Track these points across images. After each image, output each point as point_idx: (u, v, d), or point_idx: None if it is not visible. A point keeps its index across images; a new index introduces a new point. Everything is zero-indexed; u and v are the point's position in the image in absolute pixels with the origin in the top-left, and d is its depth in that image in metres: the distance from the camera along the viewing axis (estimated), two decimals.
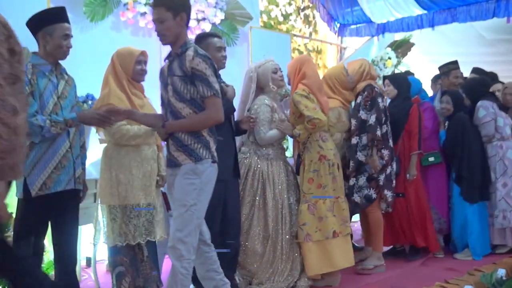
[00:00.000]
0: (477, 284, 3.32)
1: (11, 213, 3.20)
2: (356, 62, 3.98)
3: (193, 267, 2.51)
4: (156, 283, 2.93)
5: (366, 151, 3.73)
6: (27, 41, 2.87)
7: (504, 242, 4.25)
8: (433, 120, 4.39)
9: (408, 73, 5.30)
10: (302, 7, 7.79)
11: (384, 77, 4.42)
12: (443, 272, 3.73)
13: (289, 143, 4.85)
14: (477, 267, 3.68)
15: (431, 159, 4.24)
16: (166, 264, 3.36)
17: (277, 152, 3.48)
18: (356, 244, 4.45)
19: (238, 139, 3.46)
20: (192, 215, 2.40)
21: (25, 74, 2.47)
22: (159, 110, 2.75)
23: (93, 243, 2.96)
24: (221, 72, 3.22)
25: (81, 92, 3.22)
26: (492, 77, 4.91)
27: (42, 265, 2.96)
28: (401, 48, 6.91)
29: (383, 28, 7.29)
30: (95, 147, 3.52)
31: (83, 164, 2.79)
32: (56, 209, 2.59)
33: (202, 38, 3.19)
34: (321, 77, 3.75)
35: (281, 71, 3.53)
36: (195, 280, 2.77)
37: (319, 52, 7.97)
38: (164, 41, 2.51)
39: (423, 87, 4.72)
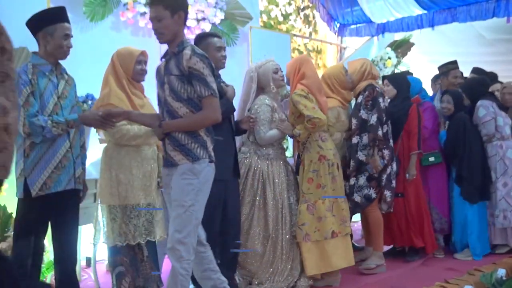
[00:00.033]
0: (477, 284, 3.33)
1: (11, 213, 3.22)
2: (357, 61, 3.98)
3: None
4: (157, 283, 2.93)
5: (367, 150, 3.73)
6: (27, 41, 2.88)
7: (505, 242, 4.25)
8: (433, 120, 4.39)
9: (407, 73, 5.30)
10: (302, 7, 7.79)
11: (384, 77, 4.42)
12: (443, 272, 3.72)
13: (289, 143, 4.85)
14: (477, 267, 3.68)
15: (432, 159, 4.25)
16: (166, 264, 3.36)
17: (277, 152, 3.48)
18: (356, 244, 4.45)
19: (238, 139, 3.46)
20: (191, 215, 2.39)
21: (26, 74, 2.48)
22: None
23: (93, 243, 2.96)
24: (221, 72, 3.22)
25: (81, 92, 3.22)
26: (492, 77, 4.91)
27: (42, 265, 2.96)
28: (401, 48, 6.90)
29: (383, 28, 7.29)
30: (95, 147, 3.53)
31: (83, 164, 2.79)
32: (56, 209, 2.59)
33: (202, 38, 3.18)
34: (320, 76, 3.76)
35: (282, 71, 3.53)
36: (194, 280, 2.77)
37: (319, 52, 7.97)
38: (161, 39, 2.48)
39: (423, 87, 4.72)
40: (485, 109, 4.22)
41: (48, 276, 3.37)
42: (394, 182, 3.86)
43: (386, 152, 3.75)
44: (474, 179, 4.12)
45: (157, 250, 2.98)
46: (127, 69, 2.83)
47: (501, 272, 3.35)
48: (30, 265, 2.53)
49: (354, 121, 3.79)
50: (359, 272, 3.73)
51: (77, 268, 3.08)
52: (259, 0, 6.31)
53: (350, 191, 3.75)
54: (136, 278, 2.86)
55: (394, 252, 4.27)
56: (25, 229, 2.54)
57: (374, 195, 3.73)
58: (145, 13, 4.50)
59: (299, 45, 7.64)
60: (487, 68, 5.11)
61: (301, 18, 7.78)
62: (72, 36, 2.64)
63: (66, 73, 2.72)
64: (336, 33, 7.83)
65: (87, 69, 3.70)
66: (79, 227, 2.81)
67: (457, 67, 4.72)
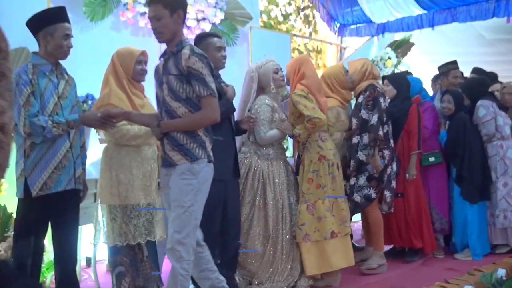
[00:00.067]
0: (477, 284, 3.32)
1: (11, 213, 3.22)
2: (358, 61, 3.97)
3: None
4: (157, 283, 2.93)
5: (367, 150, 3.73)
6: (27, 41, 2.88)
7: (506, 241, 4.25)
8: (434, 120, 4.39)
9: (406, 73, 5.30)
10: (302, 7, 7.78)
11: (383, 77, 4.42)
12: (443, 272, 3.73)
13: (289, 143, 4.85)
14: (477, 267, 3.68)
15: (432, 159, 4.24)
16: (166, 264, 3.36)
17: (277, 152, 3.48)
18: (356, 244, 4.45)
19: (239, 139, 3.45)
20: (190, 216, 2.38)
21: (26, 74, 2.48)
22: None
23: (93, 243, 2.96)
24: (221, 72, 3.22)
25: (81, 92, 3.22)
26: (492, 77, 4.92)
27: (42, 265, 2.96)
28: (401, 48, 6.90)
29: (383, 28, 7.29)
30: (95, 147, 3.53)
31: (83, 164, 2.79)
32: (57, 209, 2.59)
33: (202, 38, 3.18)
34: (320, 76, 3.76)
35: (282, 71, 3.53)
36: (194, 280, 2.77)
37: (319, 52, 7.96)
38: (160, 38, 2.47)
39: (424, 87, 4.72)
40: (485, 109, 4.22)
41: (48, 276, 3.37)
42: (394, 182, 3.86)
43: (386, 152, 3.75)
44: (474, 179, 4.12)
45: (157, 250, 2.98)
46: (127, 69, 2.83)
47: (501, 272, 3.35)
48: (30, 265, 2.53)
49: (354, 121, 3.79)
50: (359, 272, 3.73)
51: (77, 268, 3.08)
52: (259, 0, 6.30)
53: (350, 191, 3.75)
54: (136, 278, 2.86)
55: (394, 252, 4.27)
56: (25, 229, 2.54)
57: (374, 195, 3.73)
58: (145, 13, 4.50)
59: (299, 45, 7.64)
60: (487, 68, 5.11)
61: (301, 18, 7.78)
62: (72, 36, 2.64)
63: (67, 73, 2.72)
64: (336, 33, 7.82)
65: (87, 69, 3.70)
66: (79, 227, 2.81)
67: (457, 67, 4.72)
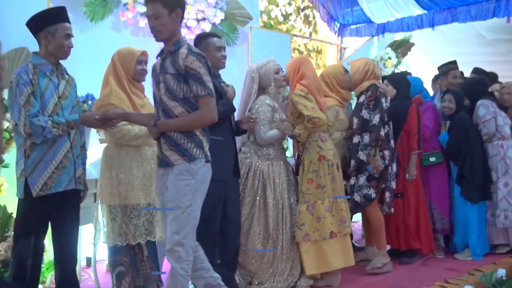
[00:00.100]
0: (477, 284, 3.32)
1: (11, 213, 3.22)
2: (360, 60, 3.96)
3: None
4: (157, 283, 2.93)
5: (368, 150, 3.72)
6: (27, 41, 2.88)
7: (506, 241, 4.25)
8: (434, 119, 4.39)
9: (406, 73, 5.30)
10: (302, 7, 7.79)
11: (383, 77, 4.42)
12: (443, 272, 3.73)
13: (289, 143, 4.86)
14: (477, 267, 3.68)
15: (432, 159, 4.24)
16: (167, 264, 3.36)
17: (277, 152, 3.48)
18: (356, 244, 4.45)
19: (239, 139, 3.45)
20: (189, 216, 2.37)
21: (27, 74, 2.49)
22: None
23: (93, 243, 2.97)
24: (221, 72, 3.22)
25: (81, 92, 3.22)
26: (492, 77, 4.92)
27: (42, 265, 2.96)
28: (401, 48, 6.90)
29: (383, 28, 7.29)
30: (95, 147, 3.53)
31: (84, 164, 2.79)
32: (57, 209, 2.59)
33: (202, 38, 3.18)
34: (319, 75, 3.76)
35: (283, 71, 3.53)
36: None
37: (319, 52, 7.97)
38: (158, 37, 2.45)
39: (424, 86, 4.71)
40: (485, 108, 4.22)
41: (48, 276, 3.37)
42: (393, 182, 3.86)
43: (386, 153, 3.74)
44: (475, 179, 4.12)
45: (157, 250, 2.98)
46: (128, 69, 2.83)
47: (501, 272, 3.35)
48: (30, 265, 2.53)
49: (355, 120, 3.79)
50: (359, 272, 3.73)
51: (77, 268, 3.08)
52: (259, 0, 6.30)
53: (350, 191, 3.75)
54: (136, 278, 2.86)
55: (394, 252, 4.27)
56: (25, 229, 2.54)
57: (373, 195, 3.73)
58: (145, 13, 4.50)
59: (299, 45, 7.64)
60: (487, 68, 5.11)
61: (301, 18, 7.78)
62: (73, 36, 2.64)
63: (67, 73, 2.72)
64: (336, 33, 7.82)
65: (87, 69, 3.70)
66: (79, 227, 2.81)
67: (457, 67, 4.72)
